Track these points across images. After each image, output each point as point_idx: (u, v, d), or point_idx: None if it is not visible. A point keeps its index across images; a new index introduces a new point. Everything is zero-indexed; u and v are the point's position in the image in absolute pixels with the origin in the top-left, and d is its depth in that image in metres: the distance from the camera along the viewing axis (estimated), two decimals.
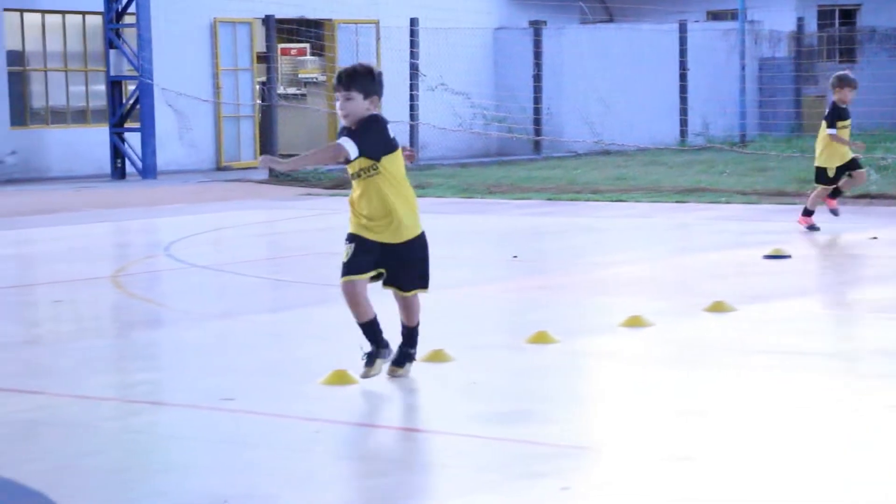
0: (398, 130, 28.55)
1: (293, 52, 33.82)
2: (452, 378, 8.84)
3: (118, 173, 27.23)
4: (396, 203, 8.34)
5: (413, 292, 8.57)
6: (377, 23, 32.00)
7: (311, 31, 31.90)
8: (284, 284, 13.91)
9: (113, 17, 27.34)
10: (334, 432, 7.46)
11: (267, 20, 28.14)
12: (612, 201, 21.30)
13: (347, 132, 8.39)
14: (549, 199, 22.11)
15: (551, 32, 33.97)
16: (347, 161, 8.35)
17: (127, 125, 27.55)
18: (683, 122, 33.29)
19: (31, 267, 15.88)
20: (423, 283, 8.60)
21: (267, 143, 28.49)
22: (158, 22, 27.30)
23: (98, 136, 27.89)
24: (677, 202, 20.94)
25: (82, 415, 8.03)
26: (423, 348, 9.26)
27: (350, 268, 8.45)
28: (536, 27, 33.41)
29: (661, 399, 8.15)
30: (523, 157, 31.93)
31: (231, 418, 7.79)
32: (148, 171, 27.04)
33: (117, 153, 27.39)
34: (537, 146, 32.95)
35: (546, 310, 11.58)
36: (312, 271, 14.82)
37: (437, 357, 9.18)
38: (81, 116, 28.71)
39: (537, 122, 33.09)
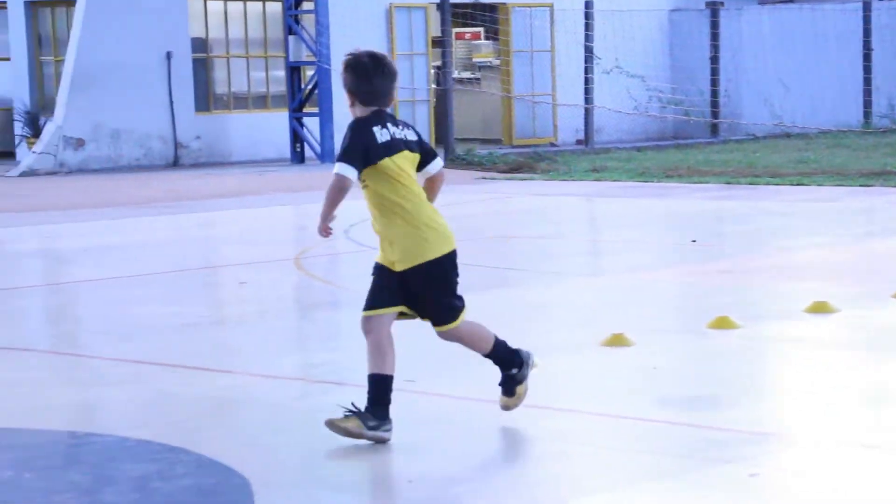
0: (573, 114, 28.80)
1: (468, 36, 33.88)
2: (633, 362, 8.81)
3: (297, 157, 27.57)
4: (385, 224, 7.20)
5: (444, 327, 7.39)
6: (551, 6, 31.88)
7: (486, 16, 31.88)
8: (463, 268, 13.93)
9: (292, 3, 27.67)
10: (517, 415, 7.51)
11: (442, 4, 28.18)
12: (793, 185, 20.97)
13: None
14: (728, 183, 21.84)
15: (729, 13, 33.52)
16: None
17: (306, 110, 27.87)
18: (867, 104, 32.63)
19: (217, 249, 16.15)
20: (444, 317, 7.40)
21: (442, 126, 28.56)
22: (336, 8, 27.54)
23: (278, 121, 28.26)
24: (862, 185, 20.49)
25: (271, 394, 8.20)
26: (603, 333, 9.29)
27: (367, 301, 7.32)
28: (714, 8, 33.04)
29: (847, 386, 8.03)
30: (700, 140, 31.64)
31: (412, 398, 7.87)
32: (326, 154, 27.28)
33: (296, 137, 27.74)
34: (715, 129, 32.63)
35: (727, 294, 11.46)
36: (488, 253, 14.81)
37: (618, 341, 9.16)
38: (262, 102, 29.12)
39: (715, 104, 32.81)
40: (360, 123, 6.97)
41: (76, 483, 6.40)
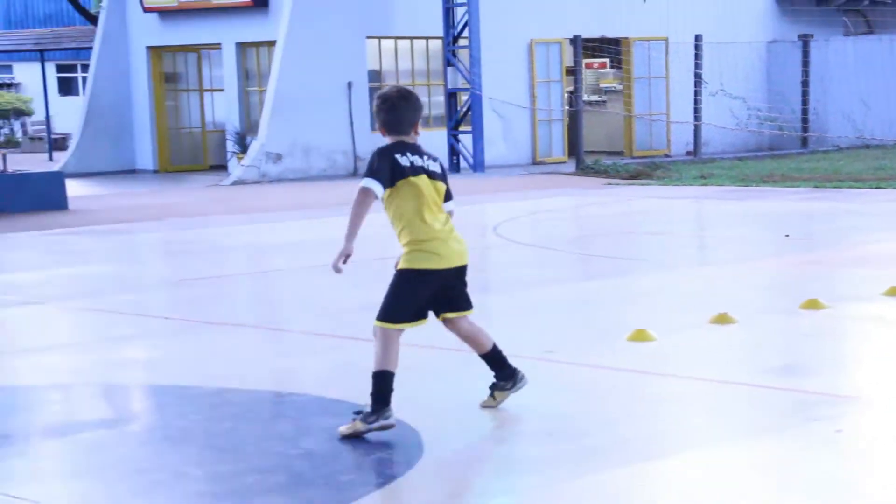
0: (684, 130, 28.64)
1: (595, 65, 33.72)
2: (736, 337, 8.78)
3: (454, 167, 27.65)
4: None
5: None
6: (666, 39, 31.63)
7: (611, 48, 31.75)
8: (592, 258, 13.96)
9: (450, 40, 27.76)
10: (632, 379, 7.51)
11: (574, 40, 28.13)
12: (872, 188, 20.58)
13: None
14: (816, 187, 21.51)
15: (818, 44, 33.02)
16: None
17: (461, 129, 27.95)
18: None
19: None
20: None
21: (574, 141, 28.50)
22: (486, 43, 27.57)
23: (438, 138, 28.32)
24: None
25: (436, 362, 8.19)
26: (709, 313, 9.25)
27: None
28: (805, 40, 32.58)
29: None
30: (792, 151, 31.25)
31: (552, 367, 7.90)
32: (478, 165, 27.42)
33: (453, 151, 27.83)
34: (804, 142, 32.17)
35: (816, 281, 11.35)
36: (615, 247, 14.83)
37: (723, 319, 9.12)
38: (425, 122, 29.18)
39: (805, 121, 32.37)
40: (382, 150, 6.63)
41: (281, 432, 6.54)
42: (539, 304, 10.65)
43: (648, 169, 26.08)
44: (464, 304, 6.80)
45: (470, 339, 6.87)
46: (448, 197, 6.79)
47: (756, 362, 7.96)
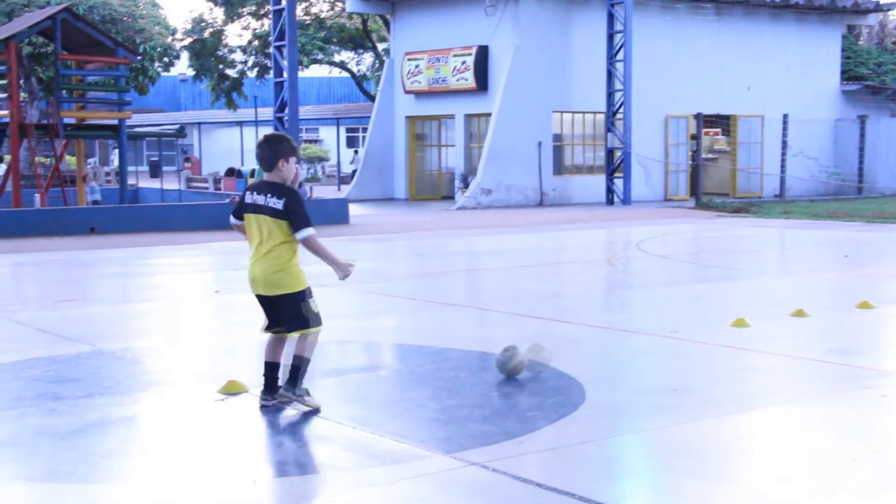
0: (773, 179, 27.79)
1: (711, 133, 32.92)
2: (809, 326, 8.39)
3: (609, 201, 27.32)
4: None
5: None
6: (762, 117, 30.64)
7: (723, 121, 30.92)
8: (705, 267, 13.59)
9: (610, 114, 27.40)
10: (733, 353, 7.23)
11: (697, 116, 27.45)
12: None
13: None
14: (867, 222, 20.54)
15: (872, 121, 31.57)
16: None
17: (615, 175, 27.57)
18: None
19: (560, 253, 16.15)
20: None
21: (694, 185, 27.80)
22: (636, 117, 27.21)
23: (598, 181, 28.14)
24: None
25: (593, 334, 8.10)
26: (790, 308, 8.88)
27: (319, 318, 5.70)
28: (862, 119, 31.21)
29: None
30: (850, 196, 29.93)
31: (676, 343, 7.69)
32: (626, 200, 26.95)
33: (609, 190, 27.45)
34: (860, 190, 30.76)
35: (868, 288, 10.75)
36: (723, 258, 14.41)
37: (799, 314, 8.78)
38: (590, 169, 28.99)
39: (860, 175, 31.02)
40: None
41: (486, 380, 6.49)
42: (667, 298, 10.42)
43: (746, 206, 25.34)
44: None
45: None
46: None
47: (822, 345, 7.62)
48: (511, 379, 6.39)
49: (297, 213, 5.43)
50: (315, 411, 5.55)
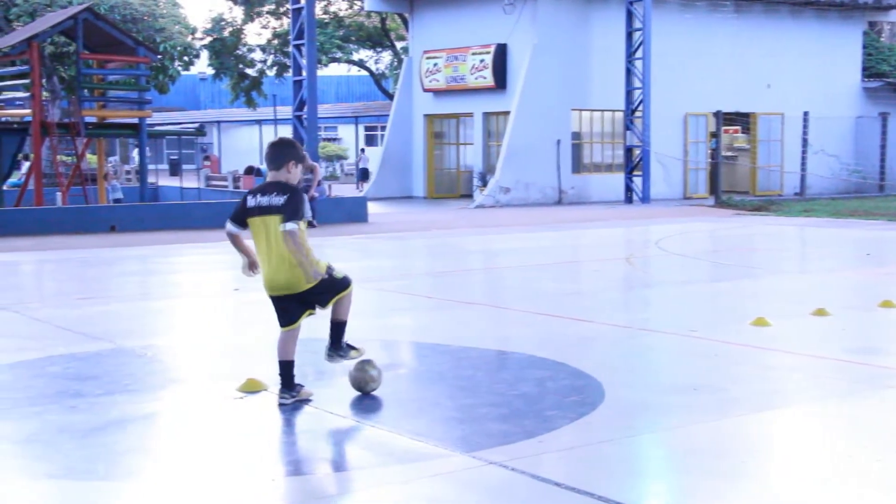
0: (793, 177, 27.65)
1: (730, 131, 32.72)
2: (829, 325, 8.31)
3: (628, 200, 27.22)
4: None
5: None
6: (782, 114, 30.44)
7: (742, 119, 30.76)
8: (724, 265, 13.50)
9: (629, 112, 27.29)
10: (753, 352, 7.17)
11: (716, 113, 27.29)
12: None
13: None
14: (889, 220, 20.41)
15: (893, 119, 31.31)
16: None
17: (634, 173, 27.46)
18: None
19: (578, 252, 16.11)
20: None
21: (713, 183, 27.66)
22: (654, 114, 27.08)
23: (617, 179, 28.04)
24: None
25: (611, 333, 8.06)
26: (810, 307, 8.80)
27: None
28: (883, 116, 30.99)
29: None
30: (871, 194, 29.76)
31: (695, 341, 7.63)
32: (645, 198, 26.85)
33: (628, 189, 27.35)
34: (881, 188, 30.54)
35: (889, 286, 10.65)
36: (743, 257, 14.32)
37: (821, 312, 8.71)
38: (609, 168, 28.89)
39: (881, 173, 30.75)
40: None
41: (504, 379, 6.48)
42: (686, 296, 10.36)
43: (766, 204, 25.24)
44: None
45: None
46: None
47: (843, 344, 7.54)
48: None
49: (292, 207, 5.54)
50: (359, 361, 5.89)
